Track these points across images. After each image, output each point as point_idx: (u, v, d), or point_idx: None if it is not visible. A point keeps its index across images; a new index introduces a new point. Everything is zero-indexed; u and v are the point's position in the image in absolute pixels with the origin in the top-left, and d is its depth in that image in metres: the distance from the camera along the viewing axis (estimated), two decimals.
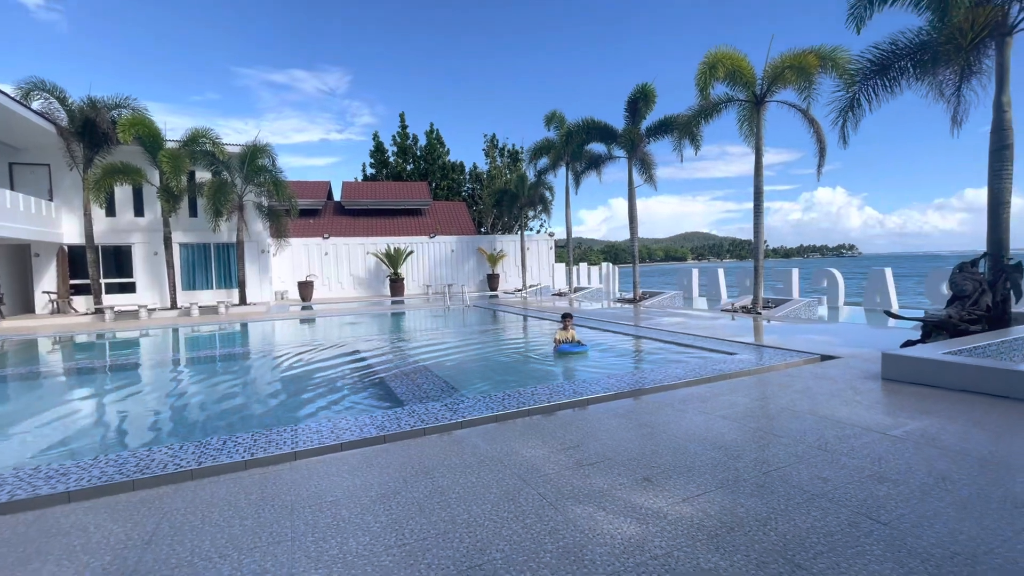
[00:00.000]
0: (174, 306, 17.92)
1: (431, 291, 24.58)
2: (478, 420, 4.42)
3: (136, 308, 16.82)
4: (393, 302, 20.62)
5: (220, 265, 20.29)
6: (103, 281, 18.11)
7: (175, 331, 13.37)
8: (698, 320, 11.15)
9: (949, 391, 4.87)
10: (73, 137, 16.18)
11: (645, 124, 17.25)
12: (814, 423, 4.11)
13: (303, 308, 19.01)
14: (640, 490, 3.02)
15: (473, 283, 26.31)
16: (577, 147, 19.34)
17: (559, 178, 37.04)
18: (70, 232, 17.89)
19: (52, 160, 17.51)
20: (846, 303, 15.03)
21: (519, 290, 23.96)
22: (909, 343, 6.65)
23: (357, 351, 9.14)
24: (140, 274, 19.15)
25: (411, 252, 24.91)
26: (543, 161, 22.13)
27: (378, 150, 41.14)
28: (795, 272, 15.94)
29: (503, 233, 31.75)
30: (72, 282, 17.80)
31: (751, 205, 13.12)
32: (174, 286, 18.12)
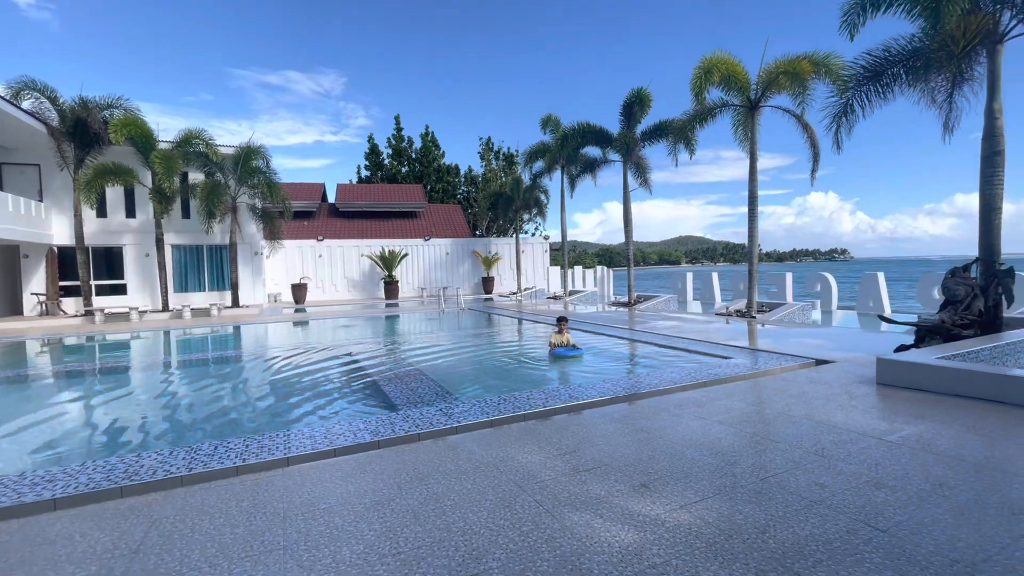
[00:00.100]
0: (166, 308, 17.75)
1: (426, 294, 24.50)
2: (473, 425, 4.38)
3: (127, 310, 16.64)
4: (387, 305, 20.53)
5: (213, 267, 20.13)
6: (93, 283, 17.91)
7: (166, 334, 13.22)
8: (693, 324, 11.16)
9: (943, 396, 4.89)
10: (64, 137, 16.01)
11: (640, 128, 17.30)
12: (810, 428, 4.11)
13: (296, 311, 18.88)
14: (637, 497, 2.99)
15: (468, 286, 26.27)
16: (572, 151, 19.38)
17: (554, 181, 37.17)
18: (60, 233, 17.69)
19: (42, 160, 17.32)
20: (839, 307, 15.12)
21: (514, 293, 23.93)
22: (903, 348, 6.69)
23: (351, 354, 9.07)
24: (131, 276, 18.95)
25: (406, 255, 24.83)
26: (538, 164, 22.16)
27: (373, 152, 41.08)
28: (789, 276, 16.01)
29: (498, 236, 31.76)
30: (62, 284, 17.59)
31: (744, 209, 13.16)
32: (166, 288, 17.95)
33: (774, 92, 12.50)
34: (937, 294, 11.20)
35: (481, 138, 40.26)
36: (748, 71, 12.57)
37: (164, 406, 6.29)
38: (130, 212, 19.03)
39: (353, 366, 8.04)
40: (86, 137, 16.08)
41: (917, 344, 6.90)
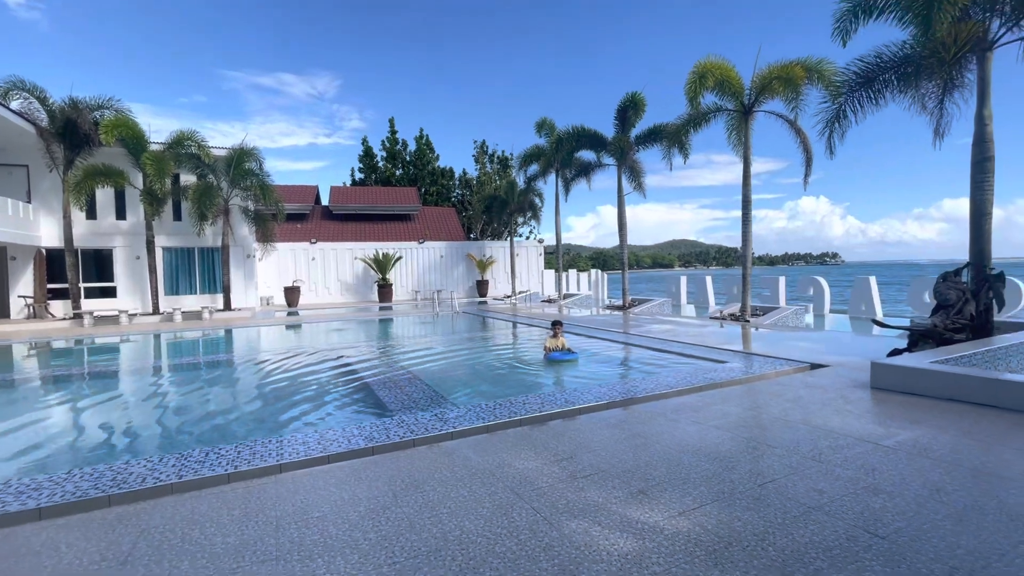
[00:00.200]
0: (156, 311, 17.53)
1: (420, 297, 24.41)
2: (469, 431, 4.34)
3: (117, 313, 16.42)
4: (381, 308, 20.42)
5: (204, 270, 19.93)
6: (82, 285, 17.68)
7: (156, 337, 13.06)
8: (687, 327, 11.18)
9: (937, 400, 4.91)
10: (53, 138, 15.82)
11: (634, 132, 17.38)
12: (807, 433, 4.10)
13: (289, 314, 18.73)
14: (636, 503, 2.97)
15: (462, 289, 26.20)
16: (567, 154, 19.42)
17: (549, 185, 37.26)
18: (48, 235, 17.45)
19: (31, 161, 17.09)
20: (832, 311, 15.22)
21: (508, 296, 23.90)
22: (896, 352, 6.73)
23: (344, 358, 8.99)
24: (121, 278, 18.72)
25: (400, 258, 24.74)
26: (533, 168, 22.18)
27: (367, 155, 40.92)
28: (782, 280, 16.11)
29: (492, 239, 31.72)
30: (50, 286, 17.33)
31: (737, 213, 13.25)
32: (156, 291, 17.74)
33: (768, 97, 12.60)
34: (928, 298, 11.28)
35: (476, 141, 40.31)
36: (742, 76, 12.68)
37: (153, 412, 6.19)
38: (120, 214, 18.82)
39: (346, 370, 7.96)
40: (76, 138, 15.89)
41: (910, 348, 6.95)
